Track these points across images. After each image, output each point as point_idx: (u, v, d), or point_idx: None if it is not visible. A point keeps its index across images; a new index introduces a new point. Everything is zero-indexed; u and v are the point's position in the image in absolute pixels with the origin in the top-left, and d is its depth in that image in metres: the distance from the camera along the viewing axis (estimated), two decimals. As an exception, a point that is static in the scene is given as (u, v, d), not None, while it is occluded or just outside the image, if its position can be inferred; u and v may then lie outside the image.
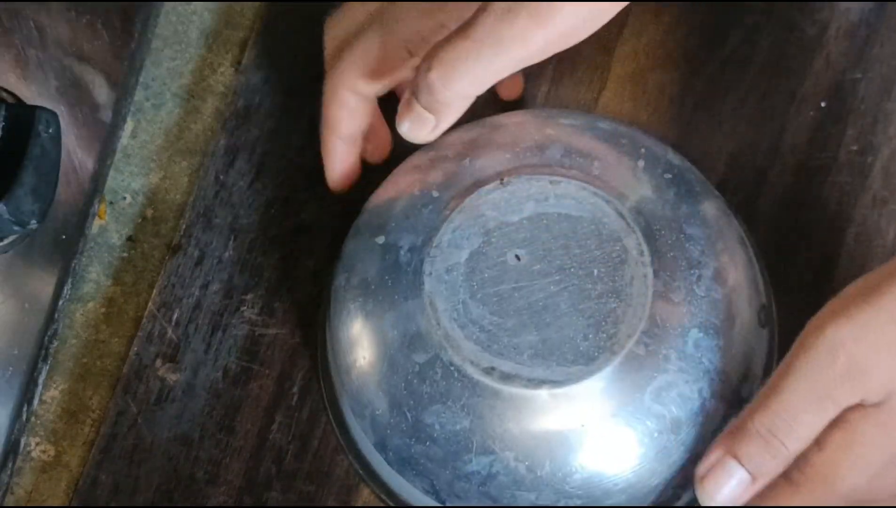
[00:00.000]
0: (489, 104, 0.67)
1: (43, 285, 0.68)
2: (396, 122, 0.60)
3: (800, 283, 0.65)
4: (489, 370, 0.57)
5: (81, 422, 0.69)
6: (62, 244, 0.68)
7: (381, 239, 0.61)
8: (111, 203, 0.71)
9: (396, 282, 0.60)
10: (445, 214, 0.60)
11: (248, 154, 0.69)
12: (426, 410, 0.58)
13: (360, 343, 0.60)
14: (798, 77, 0.67)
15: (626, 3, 0.57)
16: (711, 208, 0.61)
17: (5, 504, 0.67)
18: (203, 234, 0.69)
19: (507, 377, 0.57)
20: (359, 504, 0.65)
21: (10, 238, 0.65)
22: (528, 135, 0.62)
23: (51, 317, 0.68)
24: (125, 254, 0.71)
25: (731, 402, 0.58)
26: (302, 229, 0.68)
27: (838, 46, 0.67)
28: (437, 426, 0.58)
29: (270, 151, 0.69)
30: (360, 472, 0.64)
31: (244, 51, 0.71)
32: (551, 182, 0.59)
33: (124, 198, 0.72)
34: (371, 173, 0.68)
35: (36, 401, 0.69)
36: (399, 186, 0.63)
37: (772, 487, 0.55)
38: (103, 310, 0.70)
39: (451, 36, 0.57)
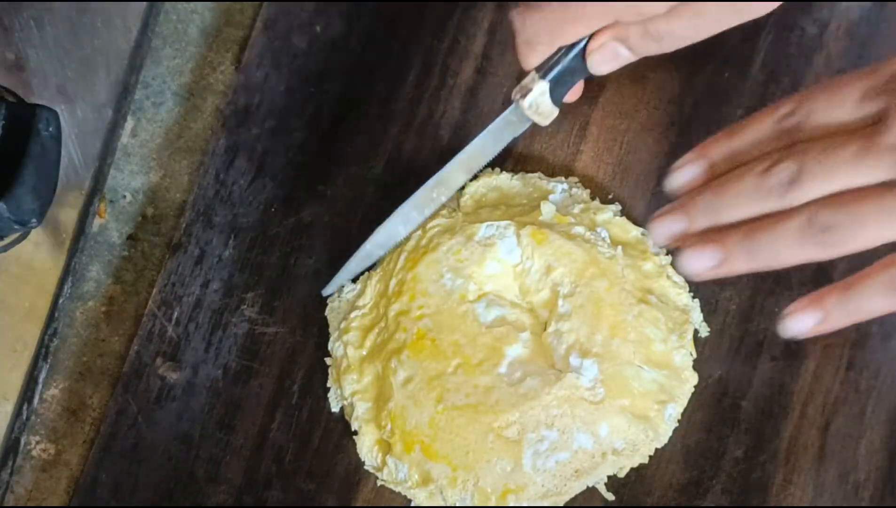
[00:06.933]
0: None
1: (43, 283, 0.68)
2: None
3: (800, 282, 0.65)
4: None
5: (82, 421, 0.69)
6: (62, 243, 0.68)
7: None
8: (111, 202, 0.71)
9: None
10: None
11: (248, 153, 0.69)
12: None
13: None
14: (798, 77, 0.67)
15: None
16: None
17: (5, 503, 0.68)
18: (203, 232, 0.69)
19: None
20: (359, 504, 0.65)
21: (11, 237, 0.65)
22: None
23: (51, 316, 0.68)
24: (125, 253, 0.71)
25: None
26: (302, 227, 0.68)
27: (838, 46, 0.67)
28: None
29: (270, 149, 0.69)
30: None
31: (244, 49, 0.71)
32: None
33: (124, 196, 0.72)
34: (371, 177, 0.68)
35: (36, 400, 0.69)
36: None
37: None
38: (103, 309, 0.70)
39: None
